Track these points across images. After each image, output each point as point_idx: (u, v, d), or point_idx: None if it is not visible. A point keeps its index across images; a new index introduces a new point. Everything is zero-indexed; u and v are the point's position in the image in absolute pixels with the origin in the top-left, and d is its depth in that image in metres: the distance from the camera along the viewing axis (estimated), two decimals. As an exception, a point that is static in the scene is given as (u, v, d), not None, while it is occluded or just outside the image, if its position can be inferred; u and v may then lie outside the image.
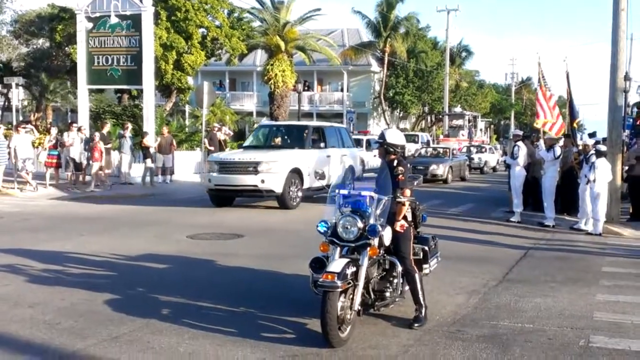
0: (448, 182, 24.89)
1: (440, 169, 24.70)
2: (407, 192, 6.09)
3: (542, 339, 5.78)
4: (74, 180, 19.05)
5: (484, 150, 35.96)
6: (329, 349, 5.36)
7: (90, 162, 18.65)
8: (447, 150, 27.49)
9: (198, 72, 35.21)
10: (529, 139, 15.71)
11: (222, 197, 15.57)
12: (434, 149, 29.54)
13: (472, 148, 35.58)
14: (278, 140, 17.45)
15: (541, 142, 14.18)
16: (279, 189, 14.74)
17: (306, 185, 15.63)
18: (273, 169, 14.66)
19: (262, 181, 14.53)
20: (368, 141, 28.68)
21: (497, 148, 47.56)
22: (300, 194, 15.49)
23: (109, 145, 19.96)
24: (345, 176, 6.33)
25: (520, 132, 15.84)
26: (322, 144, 16.69)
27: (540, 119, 15.01)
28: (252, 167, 14.67)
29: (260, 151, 15.80)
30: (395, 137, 6.36)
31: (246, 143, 17.92)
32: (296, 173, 15.24)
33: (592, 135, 14.48)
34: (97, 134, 19.11)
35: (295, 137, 17.00)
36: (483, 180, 28.51)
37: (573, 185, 13.90)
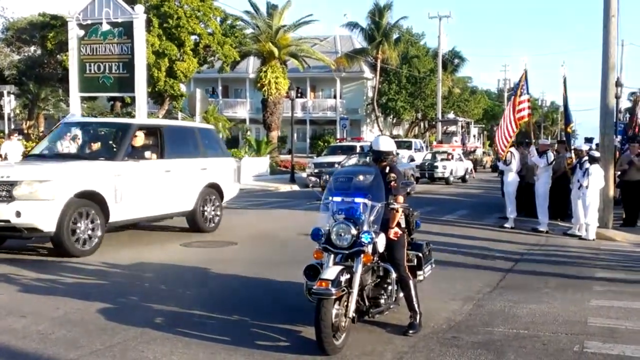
0: None
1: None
2: (400, 198, 6.11)
3: (537, 345, 5.79)
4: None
5: (450, 157, 31.38)
6: (324, 357, 5.35)
7: None
8: None
9: (191, 80, 35.23)
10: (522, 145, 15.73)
11: None
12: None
13: (437, 155, 31.74)
14: (96, 146, 11.69)
15: (533, 149, 14.23)
16: (49, 227, 9.22)
17: (115, 217, 10.26)
18: (40, 193, 9.15)
19: (18, 214, 9.03)
20: (362, 147, 28.68)
21: (490, 154, 47.88)
22: (98, 232, 9.90)
23: None
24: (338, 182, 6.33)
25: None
26: (149, 153, 11.19)
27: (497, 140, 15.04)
28: (4, 191, 9.21)
29: (35, 163, 10.36)
30: (385, 144, 6.36)
31: (35, 150, 11.99)
32: (91, 199, 9.82)
33: (588, 140, 14.51)
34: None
35: (108, 142, 11.61)
36: (436, 192, 24.44)
37: (566, 191, 13.95)
